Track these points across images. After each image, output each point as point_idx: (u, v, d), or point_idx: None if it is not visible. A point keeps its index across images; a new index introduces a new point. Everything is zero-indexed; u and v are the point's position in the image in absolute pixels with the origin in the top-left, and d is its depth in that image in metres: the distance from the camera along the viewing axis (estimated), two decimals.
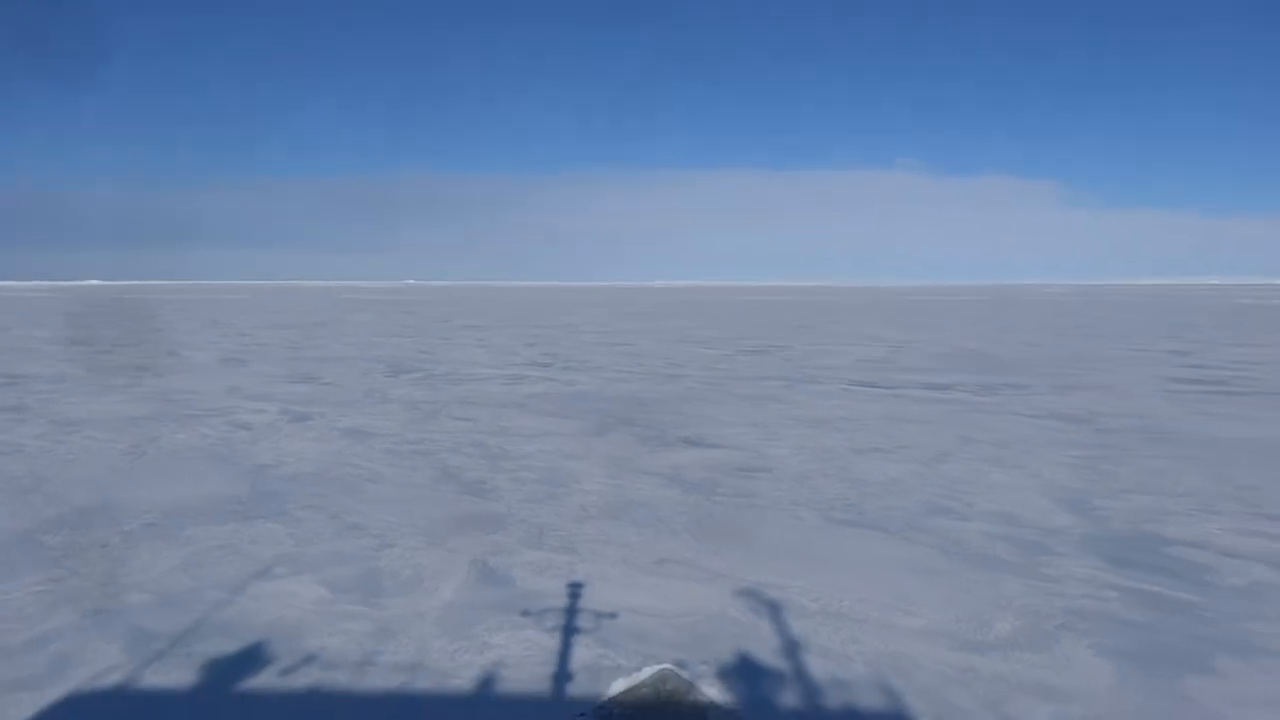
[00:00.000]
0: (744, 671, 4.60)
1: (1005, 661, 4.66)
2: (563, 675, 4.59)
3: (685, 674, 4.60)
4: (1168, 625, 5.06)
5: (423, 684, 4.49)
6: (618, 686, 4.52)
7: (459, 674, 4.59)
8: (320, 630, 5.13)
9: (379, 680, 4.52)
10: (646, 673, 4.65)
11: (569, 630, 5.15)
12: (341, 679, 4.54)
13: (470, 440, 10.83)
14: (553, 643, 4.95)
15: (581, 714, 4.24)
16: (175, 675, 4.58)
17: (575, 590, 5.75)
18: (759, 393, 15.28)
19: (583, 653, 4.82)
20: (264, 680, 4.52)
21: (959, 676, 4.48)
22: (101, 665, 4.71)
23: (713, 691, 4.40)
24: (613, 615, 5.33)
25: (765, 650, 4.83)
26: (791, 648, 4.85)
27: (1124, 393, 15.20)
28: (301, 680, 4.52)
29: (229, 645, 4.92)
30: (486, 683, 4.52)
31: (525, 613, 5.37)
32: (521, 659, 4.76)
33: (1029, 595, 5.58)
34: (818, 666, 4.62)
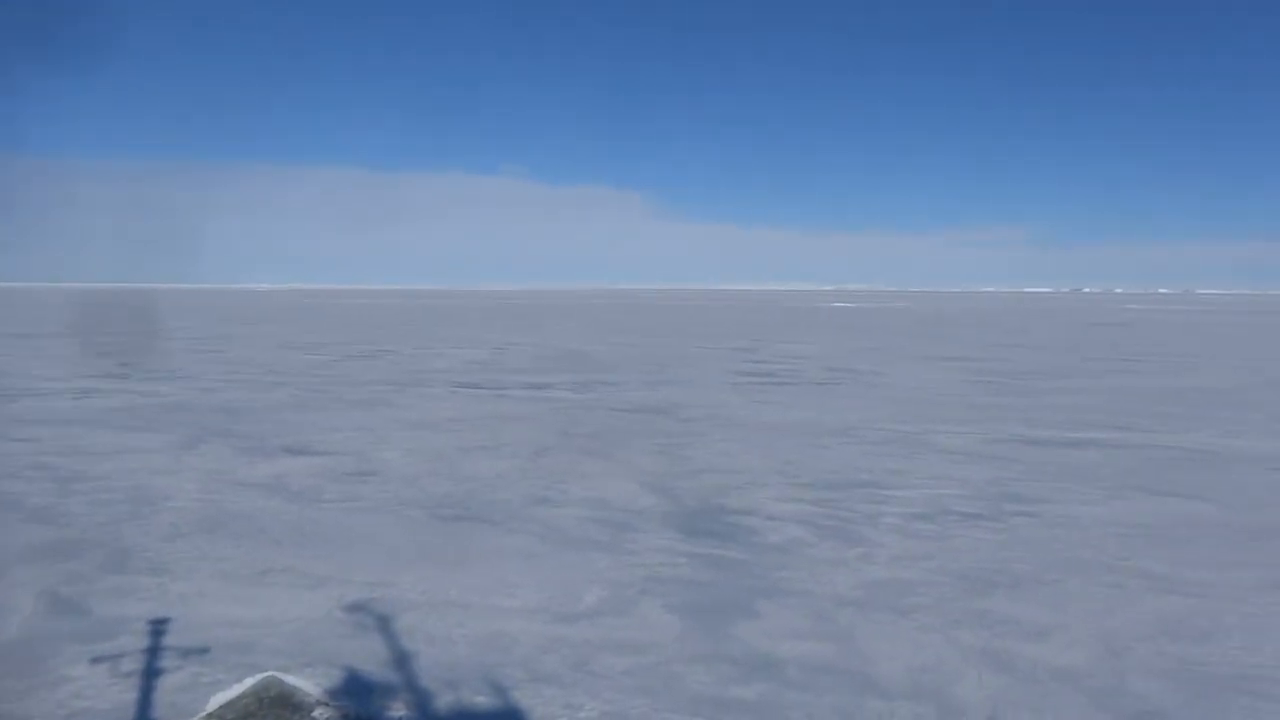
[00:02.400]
0: (351, 668, 4.71)
1: (592, 627, 5.22)
2: (152, 699, 4.39)
3: (289, 678, 4.61)
4: (723, 580, 5.97)
5: None
6: (216, 701, 4.41)
7: (28, 715, 4.21)
8: None
9: None
10: (248, 683, 4.59)
11: (161, 652, 4.91)
12: None
13: (32, 463, 9.63)
14: (142, 668, 4.70)
15: None
16: None
17: (167, 611, 5.46)
18: (367, 397, 15.12)
19: (177, 673, 4.63)
20: None
21: (552, 645, 4.96)
22: None
23: (319, 691, 4.47)
24: (211, 631, 5.15)
25: (372, 645, 4.97)
26: (398, 639, 5.04)
27: (700, 386, 17.13)
28: None
29: None
30: None
31: (108, 640, 5.02)
32: (104, 689, 4.46)
33: (614, 569, 6.25)
34: (424, 652, 4.86)
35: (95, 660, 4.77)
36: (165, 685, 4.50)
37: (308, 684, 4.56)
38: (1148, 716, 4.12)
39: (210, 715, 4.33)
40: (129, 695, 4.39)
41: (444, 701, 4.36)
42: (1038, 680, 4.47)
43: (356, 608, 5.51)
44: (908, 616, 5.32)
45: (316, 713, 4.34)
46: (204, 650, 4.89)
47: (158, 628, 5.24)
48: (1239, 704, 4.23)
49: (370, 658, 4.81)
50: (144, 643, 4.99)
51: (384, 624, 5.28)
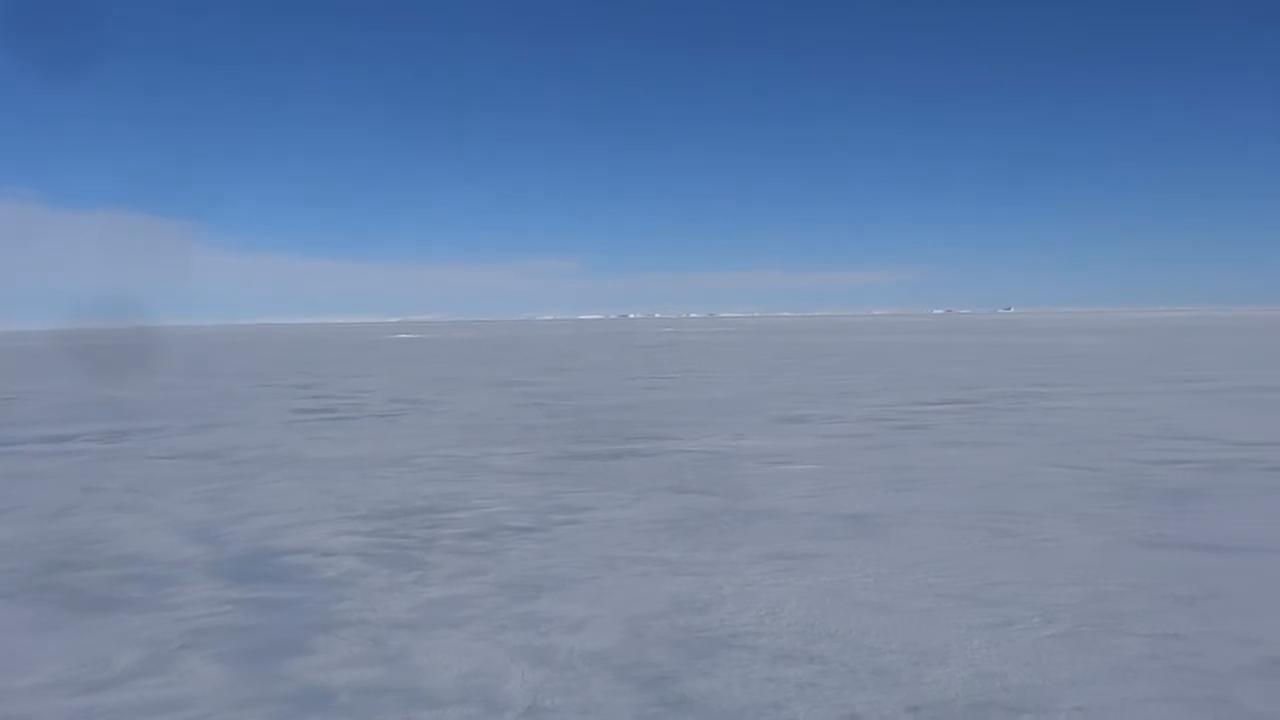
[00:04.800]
0: None
1: (127, 691, 4.85)
2: None
3: None
4: (274, 621, 5.85)
5: None
6: None
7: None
8: None
9: None
10: None
11: None
12: None
13: None
14: None
15: None
16: None
17: None
18: None
19: None
20: None
21: (79, 716, 4.54)
22: None
23: None
24: None
25: None
26: None
27: (254, 426, 16.25)
28: None
29: None
30: None
31: None
32: None
33: (153, 627, 5.83)
34: None
35: None
36: None
37: None
38: (660, 679, 4.81)
39: None
40: None
41: None
42: (573, 666, 5.00)
43: None
44: (460, 629, 5.63)
45: None
46: None
47: None
48: (729, 656, 5.10)
49: None
50: None
51: None
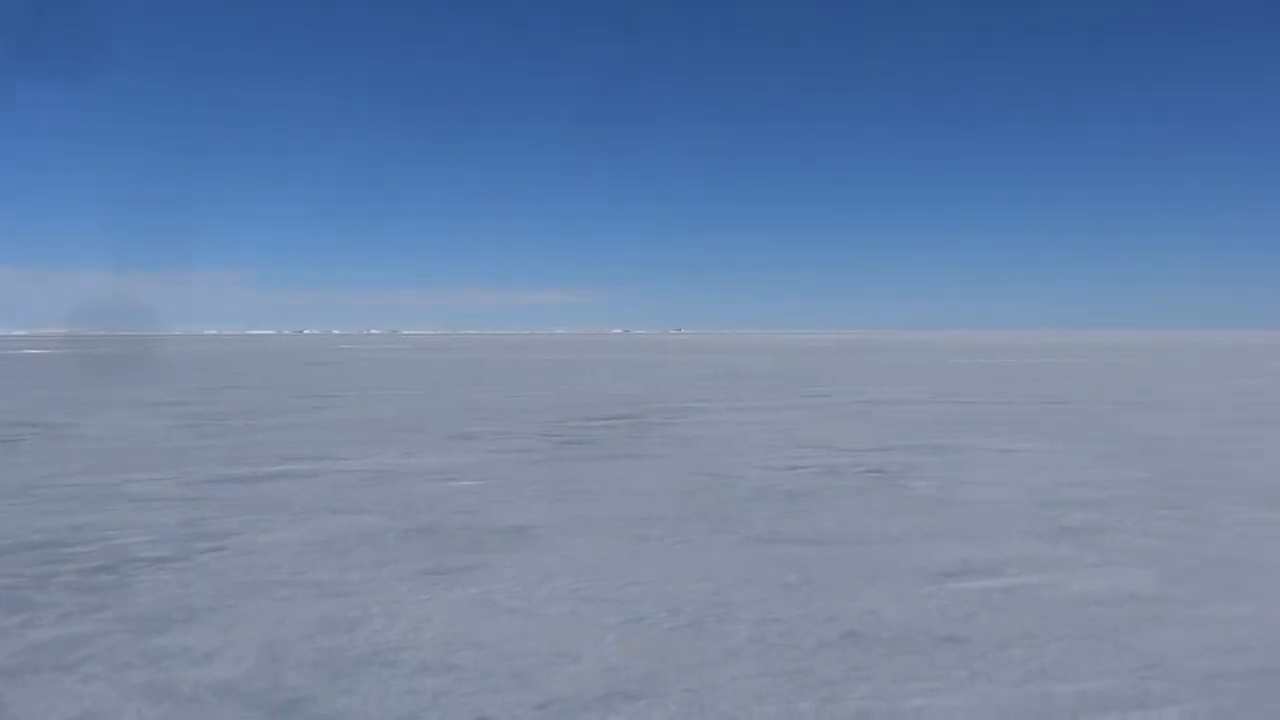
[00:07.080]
0: None
1: None
2: None
3: None
4: None
5: None
6: None
7: None
8: None
9: None
10: None
11: None
12: None
13: None
14: None
15: None
16: None
17: None
18: None
19: None
20: None
21: None
22: None
23: None
24: None
25: None
26: None
27: None
28: None
29: None
30: None
31: None
32: None
33: None
34: None
35: None
36: None
37: None
38: (296, 702, 4.74)
39: None
40: None
41: None
42: (199, 699, 4.80)
43: None
44: (71, 671, 5.19)
45: None
46: None
47: None
48: (369, 673, 5.13)
49: None
50: None
51: None
